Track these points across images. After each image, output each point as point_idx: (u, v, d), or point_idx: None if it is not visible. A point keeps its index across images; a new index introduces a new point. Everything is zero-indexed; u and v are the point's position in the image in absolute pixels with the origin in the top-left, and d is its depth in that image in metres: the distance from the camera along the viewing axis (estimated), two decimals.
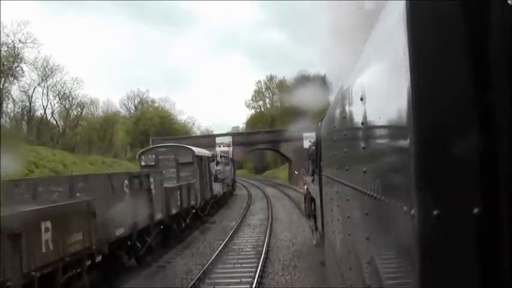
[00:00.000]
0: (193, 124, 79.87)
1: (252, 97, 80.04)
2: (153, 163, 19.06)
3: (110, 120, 63.02)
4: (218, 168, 27.91)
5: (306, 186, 15.36)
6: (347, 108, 3.28)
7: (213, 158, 26.63)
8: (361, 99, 2.49)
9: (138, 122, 65.11)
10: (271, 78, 77.29)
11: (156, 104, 72.75)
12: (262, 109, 78.21)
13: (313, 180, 11.25)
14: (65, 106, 54.68)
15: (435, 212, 1.36)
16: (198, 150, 21.15)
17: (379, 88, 2.03)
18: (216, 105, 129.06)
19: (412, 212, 1.44)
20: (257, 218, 22.78)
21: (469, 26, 1.37)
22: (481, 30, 1.37)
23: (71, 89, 53.73)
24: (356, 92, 2.73)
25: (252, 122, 74.88)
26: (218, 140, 49.53)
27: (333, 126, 4.59)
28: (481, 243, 1.34)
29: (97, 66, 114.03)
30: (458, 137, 1.37)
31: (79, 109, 57.69)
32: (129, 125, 65.70)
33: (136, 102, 73.54)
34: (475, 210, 1.33)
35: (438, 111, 1.39)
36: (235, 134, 54.90)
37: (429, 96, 1.40)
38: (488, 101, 1.35)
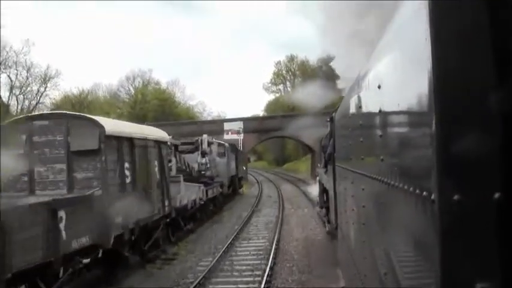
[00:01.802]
0: (204, 110, 69.05)
1: (271, 80, 70.33)
2: (20, 151, 9.18)
3: (84, 100, 51.90)
4: (203, 161, 19.69)
5: (318, 178, 15.34)
6: (363, 96, 3.27)
7: (196, 146, 19.62)
8: (379, 87, 2.48)
9: (135, 106, 55.70)
10: (292, 59, 68.27)
11: (163, 86, 62.77)
12: (283, 93, 67.84)
13: (326, 171, 11.23)
14: (9, 76, 43.35)
15: (456, 197, 1.36)
16: (115, 127, 10.22)
17: (399, 75, 2.02)
18: (232, 92, 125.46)
19: (433, 197, 1.44)
20: (253, 248, 12.95)
21: (492, 13, 1.37)
22: (503, 16, 1.36)
23: (19, 52, 42.11)
24: (373, 80, 2.72)
25: (271, 108, 65.83)
26: (226, 126, 41.96)
27: (347, 116, 4.57)
28: (502, 229, 1.34)
29: (105, 48, 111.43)
30: (480, 123, 1.37)
31: (41, 83, 45.94)
32: (125, 110, 56.08)
33: (137, 83, 62.09)
34: (496, 196, 1.33)
35: (460, 98, 1.39)
36: (247, 119, 45.34)
37: (451, 83, 1.41)
38: (509, 88, 1.34)
